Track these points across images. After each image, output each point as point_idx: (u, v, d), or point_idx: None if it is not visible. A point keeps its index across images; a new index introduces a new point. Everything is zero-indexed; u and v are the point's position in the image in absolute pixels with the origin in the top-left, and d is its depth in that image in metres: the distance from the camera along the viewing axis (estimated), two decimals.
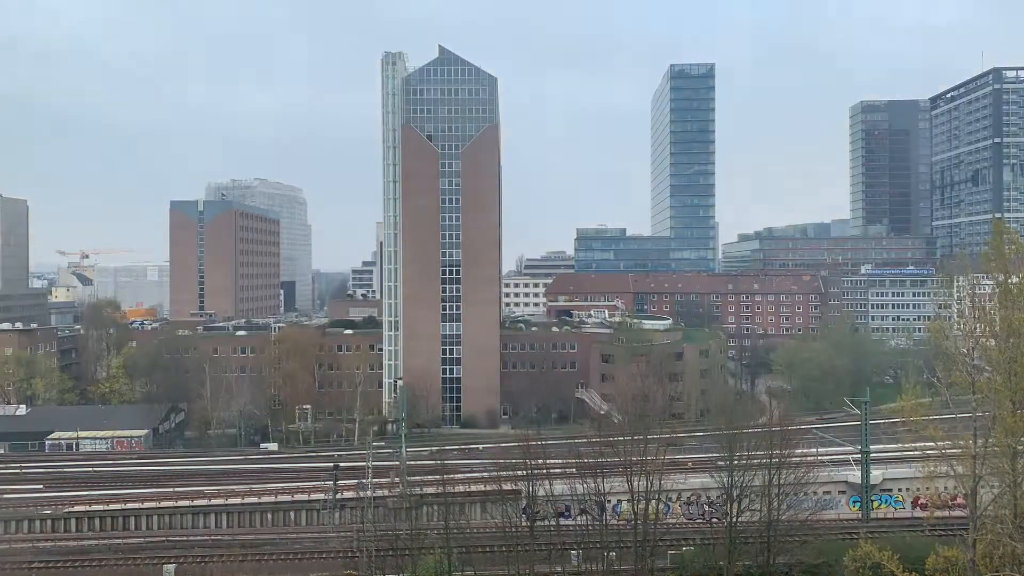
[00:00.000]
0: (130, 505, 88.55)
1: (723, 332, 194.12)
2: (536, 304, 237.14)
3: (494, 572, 67.45)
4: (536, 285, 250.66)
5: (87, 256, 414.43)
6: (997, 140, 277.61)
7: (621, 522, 73.41)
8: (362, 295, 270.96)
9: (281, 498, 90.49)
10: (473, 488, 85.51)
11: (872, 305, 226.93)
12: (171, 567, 71.48)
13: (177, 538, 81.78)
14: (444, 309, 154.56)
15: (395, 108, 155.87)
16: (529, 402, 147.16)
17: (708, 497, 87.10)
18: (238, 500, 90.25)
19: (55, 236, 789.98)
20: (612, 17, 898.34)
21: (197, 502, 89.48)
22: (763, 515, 67.11)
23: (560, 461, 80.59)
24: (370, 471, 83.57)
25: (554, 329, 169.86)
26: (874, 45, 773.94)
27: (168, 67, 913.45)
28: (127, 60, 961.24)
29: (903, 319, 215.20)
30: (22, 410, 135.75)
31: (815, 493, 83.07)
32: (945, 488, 76.79)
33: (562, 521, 79.65)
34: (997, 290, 44.85)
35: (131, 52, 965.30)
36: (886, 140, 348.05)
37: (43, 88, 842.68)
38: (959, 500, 77.29)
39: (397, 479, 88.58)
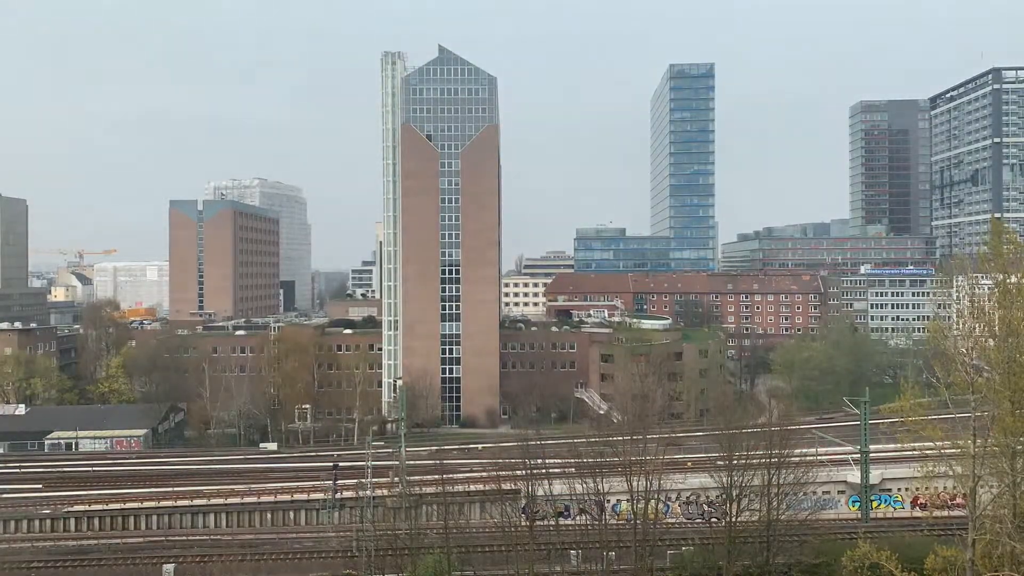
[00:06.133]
0: (129, 505, 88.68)
1: (723, 332, 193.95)
2: (536, 304, 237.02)
3: (493, 572, 67.48)
4: (536, 285, 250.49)
5: (81, 255, 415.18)
6: (997, 140, 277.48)
7: (621, 522, 73.41)
8: (362, 295, 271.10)
9: (281, 498, 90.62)
10: (472, 488, 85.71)
11: (872, 305, 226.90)
12: (170, 567, 71.57)
13: (176, 538, 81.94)
14: (444, 309, 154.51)
15: (395, 108, 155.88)
16: (529, 402, 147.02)
17: (707, 497, 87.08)
18: (238, 500, 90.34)
19: (53, 235, 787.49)
20: (612, 16, 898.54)
21: (196, 502, 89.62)
22: (762, 515, 67.17)
23: (559, 461, 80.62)
24: (370, 471, 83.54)
25: (554, 329, 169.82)
26: (874, 44, 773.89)
27: (167, 67, 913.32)
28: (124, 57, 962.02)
29: (903, 319, 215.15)
30: (21, 410, 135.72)
31: (814, 493, 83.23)
32: (944, 488, 77.09)
33: (561, 521, 79.72)
34: (996, 290, 44.83)
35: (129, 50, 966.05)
36: (886, 140, 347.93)
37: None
38: (959, 500, 77.47)
39: (397, 479, 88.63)
